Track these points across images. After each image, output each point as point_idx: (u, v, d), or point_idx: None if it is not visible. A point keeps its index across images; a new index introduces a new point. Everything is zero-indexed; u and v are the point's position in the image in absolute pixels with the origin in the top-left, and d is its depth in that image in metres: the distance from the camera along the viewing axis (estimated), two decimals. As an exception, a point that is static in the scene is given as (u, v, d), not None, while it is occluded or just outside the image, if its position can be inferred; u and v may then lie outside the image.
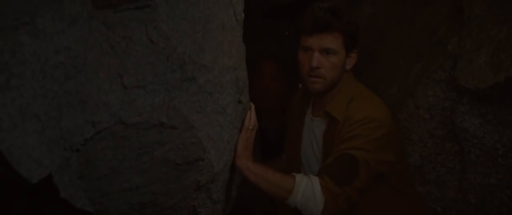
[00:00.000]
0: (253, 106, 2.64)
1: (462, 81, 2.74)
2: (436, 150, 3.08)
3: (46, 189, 1.75)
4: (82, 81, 1.74)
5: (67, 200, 1.81)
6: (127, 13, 1.85)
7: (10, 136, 1.49)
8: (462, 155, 2.96)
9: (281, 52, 3.95)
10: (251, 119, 2.60)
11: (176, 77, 1.99)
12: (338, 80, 2.65)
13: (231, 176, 2.58)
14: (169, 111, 1.99)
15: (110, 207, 2.06)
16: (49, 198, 1.84)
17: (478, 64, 2.64)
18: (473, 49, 2.74)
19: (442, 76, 2.99)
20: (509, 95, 2.60)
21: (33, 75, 1.54)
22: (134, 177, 2.05)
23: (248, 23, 2.63)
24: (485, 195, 2.91)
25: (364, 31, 3.39)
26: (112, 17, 1.83)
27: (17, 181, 1.59)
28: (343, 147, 2.47)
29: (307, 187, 2.41)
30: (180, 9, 2.01)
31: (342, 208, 2.42)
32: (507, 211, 2.83)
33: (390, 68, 3.63)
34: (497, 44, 2.58)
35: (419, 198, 2.85)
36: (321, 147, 2.70)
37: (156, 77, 1.94)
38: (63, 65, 1.64)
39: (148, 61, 1.91)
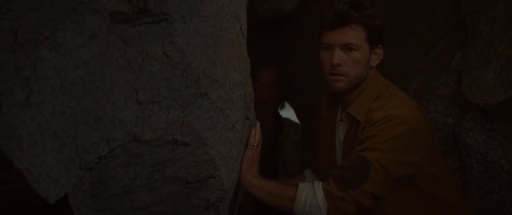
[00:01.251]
0: (258, 124, 2.58)
1: (469, 97, 2.73)
2: (437, 166, 3.05)
3: (56, 209, 1.69)
4: (98, 98, 1.69)
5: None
6: (144, 27, 1.81)
7: (29, 154, 1.43)
8: (464, 171, 2.95)
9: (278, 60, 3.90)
10: (256, 136, 2.53)
11: (190, 93, 1.95)
12: (363, 79, 2.49)
13: (236, 193, 2.53)
14: (183, 128, 1.94)
15: (119, 227, 2.00)
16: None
17: (486, 80, 2.63)
18: (479, 65, 2.74)
19: (445, 92, 2.98)
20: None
21: (52, 91, 1.49)
22: (144, 196, 1.99)
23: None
24: (486, 211, 2.89)
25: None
26: (129, 32, 1.78)
27: (33, 201, 1.54)
28: (359, 149, 2.33)
29: (309, 193, 2.33)
30: (193, 23, 1.97)
31: (347, 213, 2.30)
32: (508, 227, 2.83)
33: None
34: (506, 60, 2.57)
35: (459, 206, 2.57)
36: (341, 151, 2.57)
37: (171, 93, 1.89)
38: (82, 81, 1.58)
39: (164, 77, 1.87)
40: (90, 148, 1.69)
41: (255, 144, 2.51)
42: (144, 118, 1.84)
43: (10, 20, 1.63)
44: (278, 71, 3.68)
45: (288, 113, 5.17)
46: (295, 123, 4.03)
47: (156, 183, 1.98)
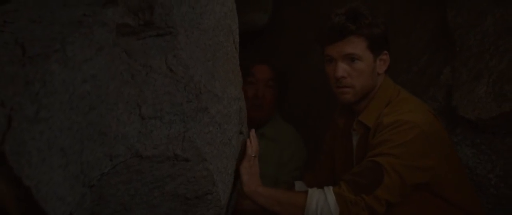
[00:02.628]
0: (253, 131, 2.48)
1: (461, 111, 2.73)
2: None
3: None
4: (103, 112, 1.64)
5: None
6: (148, 40, 1.77)
7: (38, 171, 1.39)
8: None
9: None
10: (253, 146, 2.43)
11: (191, 108, 1.91)
12: (371, 87, 2.45)
13: (228, 209, 2.50)
14: (184, 143, 1.90)
15: (116, 246, 1.94)
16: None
17: (479, 94, 2.64)
18: (471, 79, 2.75)
19: (434, 106, 2.98)
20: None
21: (61, 106, 1.45)
22: (143, 214, 1.94)
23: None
24: (474, 225, 2.91)
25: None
26: (134, 45, 1.74)
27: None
28: (371, 154, 2.26)
29: (320, 198, 2.24)
30: (194, 36, 1.94)
31: None
32: (495, 241, 2.83)
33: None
34: (499, 74, 2.59)
35: (475, 211, 2.46)
36: (355, 159, 2.51)
37: (173, 107, 1.85)
38: (89, 95, 1.54)
39: (166, 91, 1.83)
40: (94, 164, 1.65)
41: (253, 155, 2.43)
42: (146, 133, 1.80)
43: (11, 32, 1.58)
44: (274, 66, 3.49)
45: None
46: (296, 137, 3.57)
47: (155, 200, 1.94)
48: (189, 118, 1.91)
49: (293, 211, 2.30)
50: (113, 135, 1.70)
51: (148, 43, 1.77)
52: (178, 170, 1.94)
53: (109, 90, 1.65)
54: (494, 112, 2.57)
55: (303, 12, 4.62)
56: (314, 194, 2.27)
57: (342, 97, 2.45)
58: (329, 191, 2.25)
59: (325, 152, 2.81)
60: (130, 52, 1.73)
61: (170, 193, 1.96)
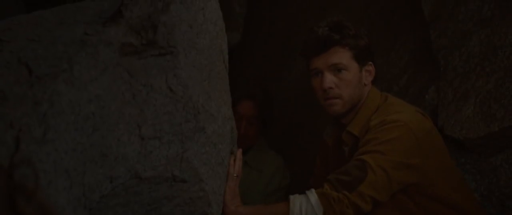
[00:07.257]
0: (239, 152, 2.42)
1: (448, 131, 2.74)
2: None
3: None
4: (104, 133, 1.61)
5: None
6: (150, 60, 1.74)
7: (44, 194, 1.35)
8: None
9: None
10: (236, 165, 2.37)
11: (190, 128, 1.89)
12: (359, 98, 2.43)
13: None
14: (182, 164, 1.88)
15: None
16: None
17: (466, 114, 2.66)
18: (457, 99, 2.77)
19: (418, 125, 3.01)
20: (501, 145, 2.63)
21: (67, 127, 1.42)
22: (139, 236, 1.90)
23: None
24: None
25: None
26: (136, 64, 1.71)
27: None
28: (356, 154, 2.23)
29: (303, 201, 2.18)
30: (191, 56, 1.92)
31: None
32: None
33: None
34: (486, 94, 2.62)
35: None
36: None
37: (172, 127, 1.83)
38: (93, 116, 1.52)
39: (166, 111, 1.81)
40: (94, 186, 1.61)
41: (235, 175, 2.41)
42: (146, 154, 1.77)
43: (11, 51, 1.55)
44: (260, 101, 3.38)
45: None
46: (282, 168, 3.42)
47: (152, 222, 1.91)
48: (187, 138, 1.89)
49: None
50: (114, 156, 1.67)
51: (149, 63, 1.75)
52: (176, 191, 1.91)
53: (111, 110, 1.62)
54: (483, 132, 2.59)
55: (274, 31, 4.64)
56: (297, 199, 2.22)
57: (331, 109, 2.42)
58: (311, 193, 2.20)
59: (316, 175, 2.77)
60: (131, 72, 1.70)
61: (166, 215, 1.94)
